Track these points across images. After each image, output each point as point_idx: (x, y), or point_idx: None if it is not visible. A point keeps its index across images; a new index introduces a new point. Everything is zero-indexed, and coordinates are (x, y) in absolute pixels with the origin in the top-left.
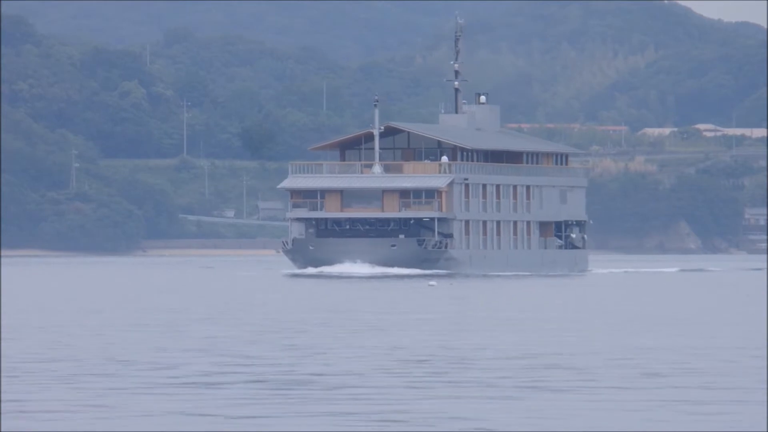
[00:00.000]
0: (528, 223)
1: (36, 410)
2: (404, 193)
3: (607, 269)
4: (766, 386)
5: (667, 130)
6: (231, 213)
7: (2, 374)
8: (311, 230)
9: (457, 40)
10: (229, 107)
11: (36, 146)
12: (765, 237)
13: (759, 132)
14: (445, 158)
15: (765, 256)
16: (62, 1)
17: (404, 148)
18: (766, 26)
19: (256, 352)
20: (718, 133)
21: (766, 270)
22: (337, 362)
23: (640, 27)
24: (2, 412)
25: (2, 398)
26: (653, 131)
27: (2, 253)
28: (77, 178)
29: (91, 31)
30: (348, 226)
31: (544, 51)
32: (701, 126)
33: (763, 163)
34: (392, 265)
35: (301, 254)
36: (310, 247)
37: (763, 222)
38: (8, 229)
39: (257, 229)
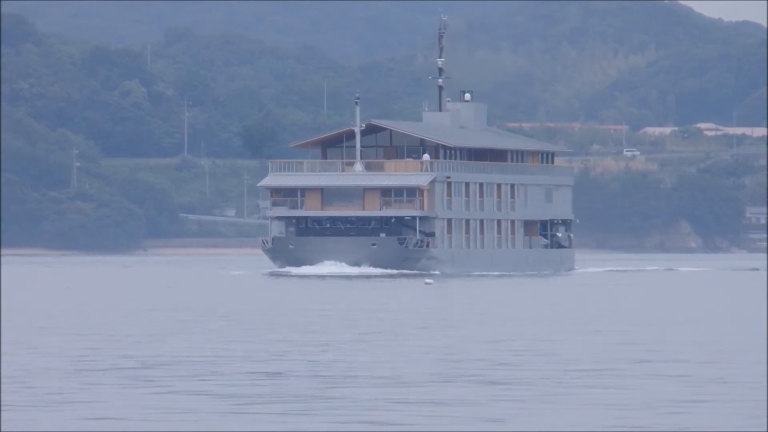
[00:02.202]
0: (512, 222)
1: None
2: (385, 192)
3: (593, 268)
4: None
5: (667, 129)
6: (232, 212)
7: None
8: (291, 229)
9: (440, 37)
10: (229, 106)
11: (36, 145)
12: (765, 236)
13: (759, 131)
14: (426, 156)
15: (765, 255)
16: (62, 1)
17: (386, 146)
18: (766, 25)
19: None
20: (719, 132)
21: None
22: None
23: (641, 26)
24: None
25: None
26: (654, 130)
27: (3, 252)
28: (78, 178)
29: (92, 30)
30: (328, 225)
31: (544, 50)
32: (702, 125)
33: (764, 162)
34: (373, 265)
35: (281, 253)
36: (290, 246)
37: (763, 221)
38: (9, 229)
39: (258, 229)
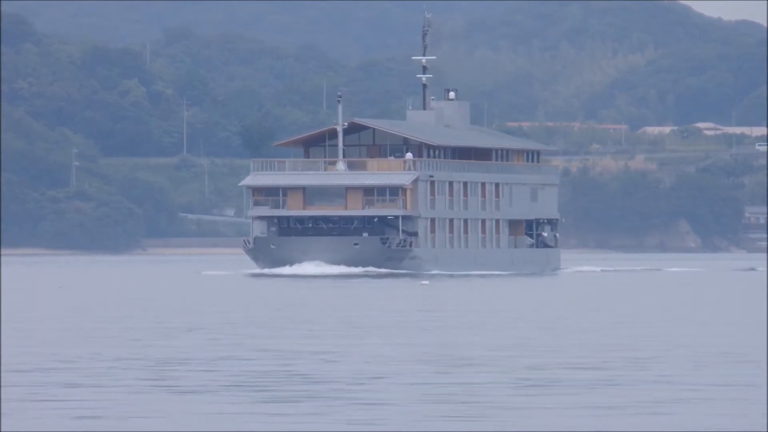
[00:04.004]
0: (497, 221)
1: None
2: (368, 191)
3: (579, 268)
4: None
5: (667, 129)
6: (231, 212)
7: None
8: (273, 229)
9: (424, 35)
10: (229, 106)
11: (36, 145)
12: (765, 236)
13: (759, 130)
14: (409, 155)
15: (765, 254)
16: (62, 1)
17: (369, 144)
18: (765, 25)
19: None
20: (718, 132)
21: None
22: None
23: (640, 26)
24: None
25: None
26: (653, 130)
27: (2, 252)
28: (77, 177)
29: (91, 29)
30: (311, 225)
31: (543, 50)
32: (701, 124)
33: (763, 161)
34: (355, 265)
35: (262, 253)
36: (272, 246)
37: (763, 221)
38: (8, 228)
39: None
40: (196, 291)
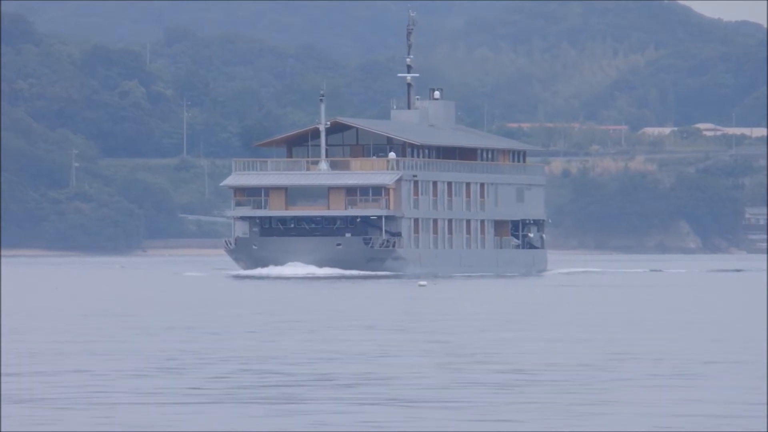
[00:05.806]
0: (482, 221)
1: None
2: (350, 191)
3: (567, 269)
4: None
5: (667, 130)
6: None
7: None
8: (255, 229)
9: (409, 34)
10: (229, 106)
11: (36, 145)
12: (765, 236)
13: (759, 131)
14: (392, 154)
15: (765, 255)
16: (62, 0)
17: (353, 144)
18: (766, 25)
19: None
20: (718, 133)
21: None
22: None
23: (641, 26)
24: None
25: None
26: (653, 130)
27: (2, 253)
28: (77, 178)
29: (91, 29)
30: (293, 225)
31: (544, 50)
32: (701, 125)
33: (763, 162)
34: (338, 266)
35: (244, 254)
36: (254, 247)
37: (763, 221)
38: (9, 229)
39: None
40: (169, 293)
